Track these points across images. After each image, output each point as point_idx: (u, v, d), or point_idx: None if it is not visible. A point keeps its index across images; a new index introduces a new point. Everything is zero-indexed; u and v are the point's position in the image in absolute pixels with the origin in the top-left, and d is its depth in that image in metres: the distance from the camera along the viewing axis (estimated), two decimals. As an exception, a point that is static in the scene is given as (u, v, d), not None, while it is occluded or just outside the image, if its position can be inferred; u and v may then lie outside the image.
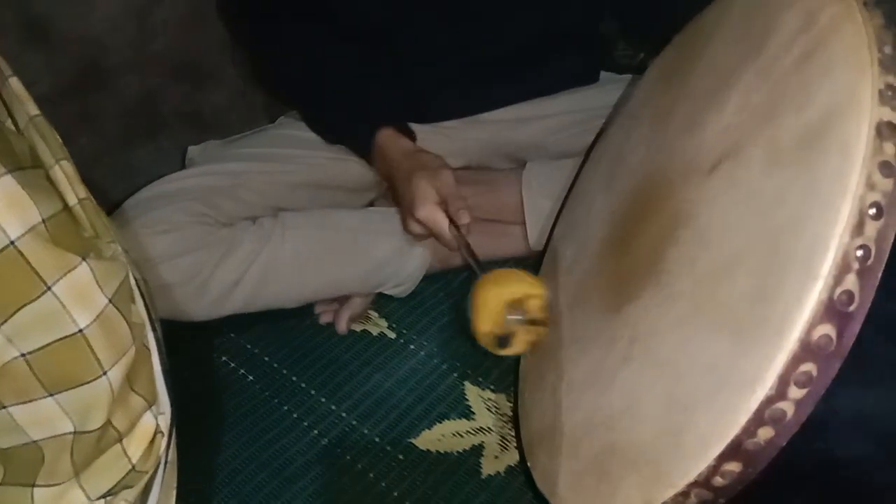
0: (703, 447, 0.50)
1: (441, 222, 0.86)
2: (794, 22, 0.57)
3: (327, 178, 1.04)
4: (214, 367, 0.99)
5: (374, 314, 1.05)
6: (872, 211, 0.46)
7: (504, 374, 0.96)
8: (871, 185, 0.46)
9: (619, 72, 1.12)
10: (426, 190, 0.87)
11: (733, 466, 0.50)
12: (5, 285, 0.44)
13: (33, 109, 0.54)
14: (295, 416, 0.92)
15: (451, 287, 1.08)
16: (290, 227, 0.97)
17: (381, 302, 1.06)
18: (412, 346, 1.01)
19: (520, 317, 0.76)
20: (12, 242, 0.44)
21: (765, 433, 0.48)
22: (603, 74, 1.12)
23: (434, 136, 1.02)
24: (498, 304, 0.75)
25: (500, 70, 1.04)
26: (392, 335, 1.02)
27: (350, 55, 0.99)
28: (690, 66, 0.72)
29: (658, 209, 0.66)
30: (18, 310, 0.45)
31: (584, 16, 1.05)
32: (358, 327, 1.03)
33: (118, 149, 1.10)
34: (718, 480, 0.51)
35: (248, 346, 1.01)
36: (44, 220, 0.46)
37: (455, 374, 0.97)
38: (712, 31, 0.71)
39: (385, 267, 1.02)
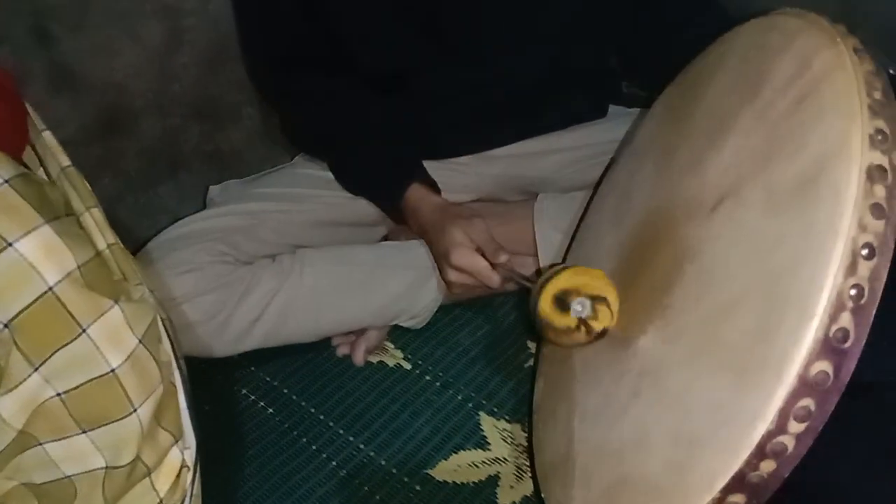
0: (709, 480, 0.52)
1: (479, 263, 0.87)
2: (788, 68, 0.59)
3: (343, 216, 1.06)
4: (235, 400, 1.01)
5: (390, 346, 1.07)
6: (865, 252, 0.48)
7: (519, 405, 0.97)
8: (862, 227, 0.48)
9: (627, 105, 1.15)
10: (459, 237, 0.88)
11: (738, 498, 0.52)
12: (44, 329, 0.47)
13: (65, 160, 0.57)
14: (314, 447, 0.94)
15: (465, 318, 1.10)
16: (308, 263, 1.00)
17: (397, 334, 1.08)
18: (428, 377, 1.03)
19: (580, 303, 0.71)
20: (51, 289, 0.47)
21: (767, 466, 0.50)
22: (611, 108, 1.14)
23: (446, 172, 1.05)
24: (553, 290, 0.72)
25: (510, 107, 1.07)
26: (408, 366, 1.04)
27: (374, 111, 1.02)
28: (692, 106, 0.75)
29: (663, 245, 0.68)
30: (55, 352, 0.47)
31: (593, 55, 1.07)
32: (374, 359, 1.05)
33: (140, 188, 1.14)
34: (724, 512, 0.52)
35: (268, 379, 1.04)
36: (79, 267, 0.48)
37: (470, 405, 0.98)
38: (712, 72, 0.74)
39: (401, 300, 1.04)
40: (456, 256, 0.88)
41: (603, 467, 0.67)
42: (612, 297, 0.71)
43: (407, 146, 1.02)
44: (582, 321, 0.71)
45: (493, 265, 0.87)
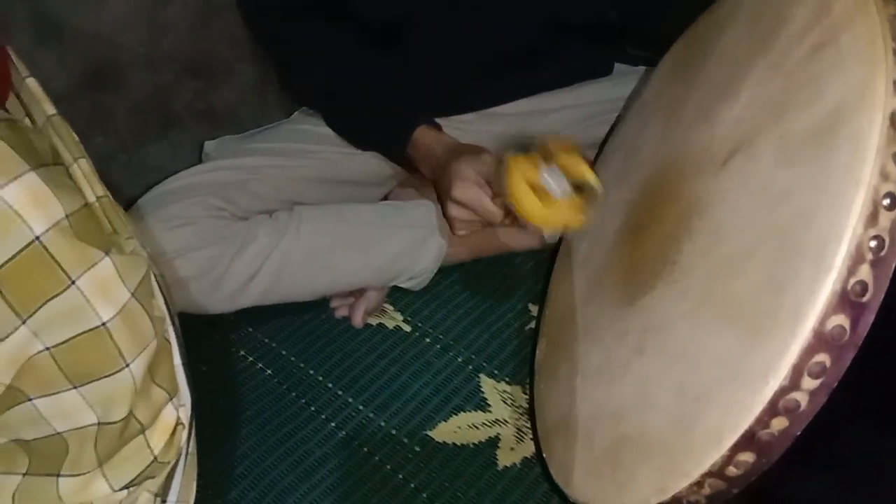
0: (717, 438, 0.51)
1: (480, 196, 0.84)
2: (805, 14, 0.57)
3: (342, 173, 1.04)
4: (232, 361, 1.00)
5: (389, 307, 1.06)
6: (886, 202, 0.46)
7: (519, 367, 0.96)
8: (885, 176, 0.46)
9: (632, 63, 1.12)
10: (465, 170, 0.86)
11: (747, 457, 0.50)
12: (30, 281, 0.45)
13: (50, 109, 0.55)
14: (312, 409, 0.93)
15: (466, 280, 1.09)
16: (306, 220, 0.98)
17: (397, 295, 1.07)
18: (428, 339, 1.01)
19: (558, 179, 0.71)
20: (37, 238, 0.45)
21: (779, 423, 0.49)
22: (617, 66, 1.11)
23: (448, 130, 1.02)
24: (530, 161, 0.72)
25: (513, 63, 1.04)
26: (407, 328, 1.03)
27: (374, 58, 0.99)
28: (703, 59, 0.72)
29: (671, 201, 0.66)
30: (43, 304, 0.46)
31: (593, 10, 1.05)
32: (374, 321, 1.04)
33: (132, 146, 1.11)
34: (732, 470, 0.51)
35: (266, 340, 1.02)
36: (67, 216, 0.46)
37: (470, 367, 0.97)
38: (724, 23, 0.71)
39: (400, 260, 1.02)
40: (457, 190, 0.86)
41: (605, 426, 0.66)
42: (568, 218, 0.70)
43: (413, 92, 0.99)
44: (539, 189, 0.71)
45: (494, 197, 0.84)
